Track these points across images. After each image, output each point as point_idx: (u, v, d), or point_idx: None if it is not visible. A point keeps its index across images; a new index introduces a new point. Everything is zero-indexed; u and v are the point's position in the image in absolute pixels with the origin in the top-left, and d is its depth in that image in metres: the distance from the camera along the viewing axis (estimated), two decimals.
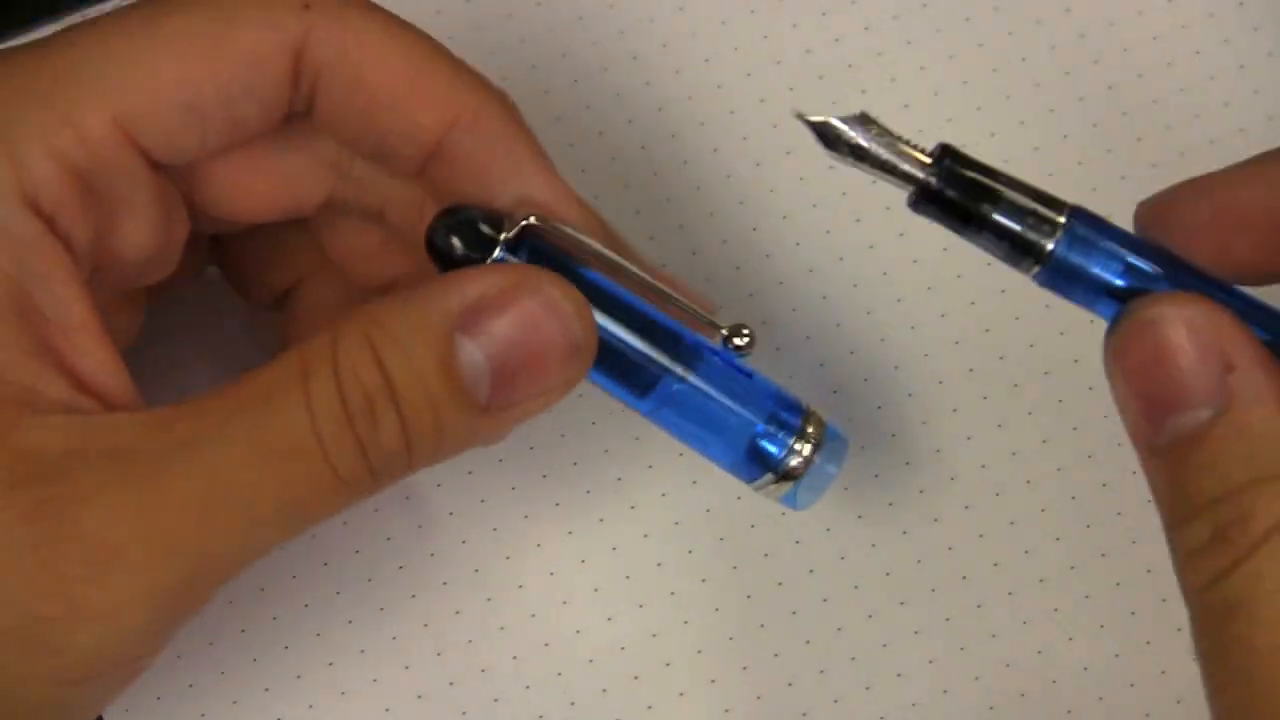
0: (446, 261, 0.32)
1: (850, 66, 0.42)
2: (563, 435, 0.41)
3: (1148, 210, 0.31)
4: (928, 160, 0.30)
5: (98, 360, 0.31)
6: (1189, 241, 0.30)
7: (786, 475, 0.33)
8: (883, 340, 0.41)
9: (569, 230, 0.32)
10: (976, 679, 0.39)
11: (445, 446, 0.31)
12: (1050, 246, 0.29)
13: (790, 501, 0.34)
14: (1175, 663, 0.39)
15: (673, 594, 0.40)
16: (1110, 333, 0.29)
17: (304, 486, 0.30)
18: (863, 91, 0.42)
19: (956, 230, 0.30)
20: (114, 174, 0.32)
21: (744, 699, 0.39)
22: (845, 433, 0.34)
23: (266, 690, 0.39)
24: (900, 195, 0.41)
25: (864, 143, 0.30)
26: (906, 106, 0.42)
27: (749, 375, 0.33)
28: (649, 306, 0.33)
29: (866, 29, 0.42)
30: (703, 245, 0.41)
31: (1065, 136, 0.41)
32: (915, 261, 0.41)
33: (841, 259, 0.41)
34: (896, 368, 0.40)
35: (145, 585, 0.29)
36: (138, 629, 0.29)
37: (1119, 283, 0.29)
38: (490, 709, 0.39)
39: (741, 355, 0.33)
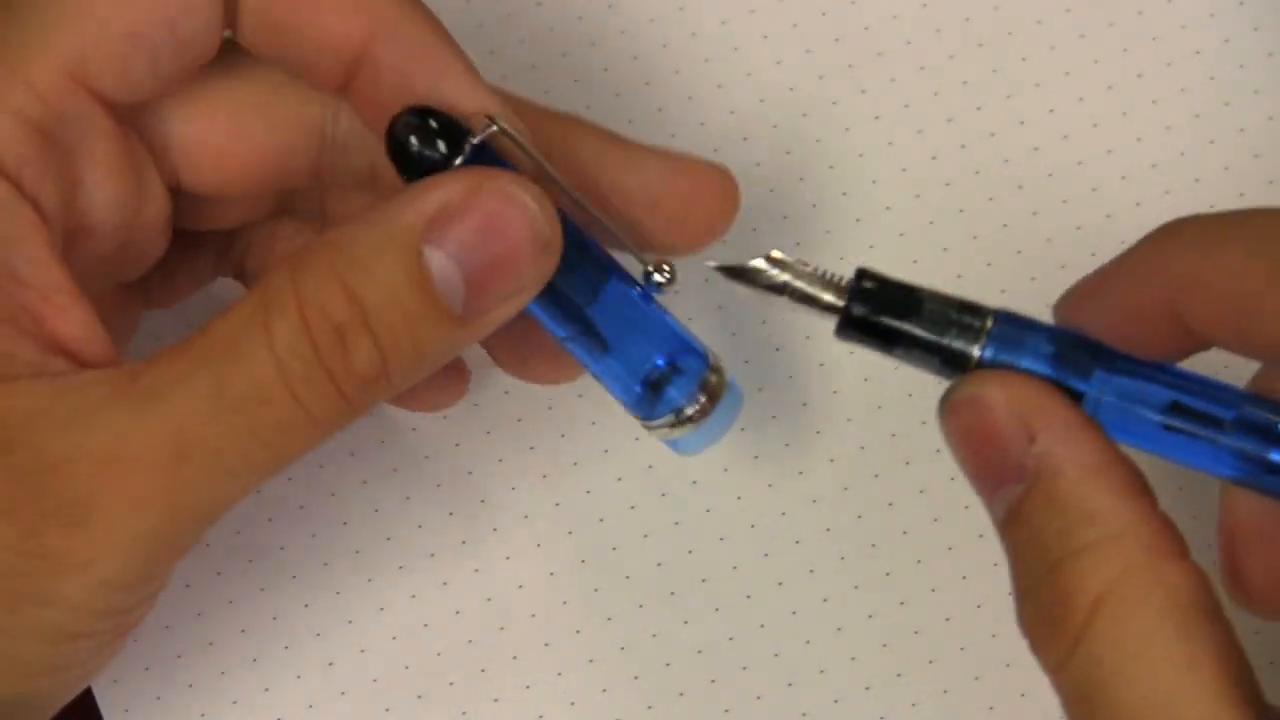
0: (407, 160, 0.31)
1: (850, 66, 0.42)
2: (563, 435, 0.41)
3: (1059, 313, 0.31)
4: (843, 288, 0.30)
5: (75, 320, 0.31)
6: (1103, 338, 0.30)
7: (682, 420, 0.32)
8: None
9: (527, 146, 0.32)
10: (976, 679, 0.39)
11: (425, 363, 0.30)
12: (977, 353, 0.30)
13: (681, 446, 0.33)
14: None
15: (673, 594, 0.40)
16: (939, 408, 0.30)
17: (273, 432, 0.29)
18: (863, 91, 0.42)
19: (884, 352, 0.30)
20: (72, 123, 0.32)
21: (744, 699, 0.39)
22: (742, 390, 0.34)
23: (266, 690, 0.39)
24: (902, 190, 0.41)
25: (783, 280, 0.31)
26: (907, 106, 0.42)
27: (661, 315, 0.33)
28: (577, 228, 0.32)
29: (866, 29, 0.42)
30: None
31: (1065, 137, 0.41)
32: (915, 262, 0.41)
33: (842, 259, 0.41)
34: (896, 368, 0.40)
35: (122, 535, 0.29)
36: (119, 577, 0.29)
37: (1054, 377, 0.30)
38: (490, 709, 0.39)
39: (659, 291, 0.33)
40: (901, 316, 0.30)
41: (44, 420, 0.29)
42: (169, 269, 0.36)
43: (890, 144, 0.41)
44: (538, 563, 0.40)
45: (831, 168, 0.41)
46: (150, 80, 0.32)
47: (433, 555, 0.40)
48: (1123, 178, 0.41)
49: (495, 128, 0.31)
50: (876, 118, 0.42)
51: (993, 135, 0.42)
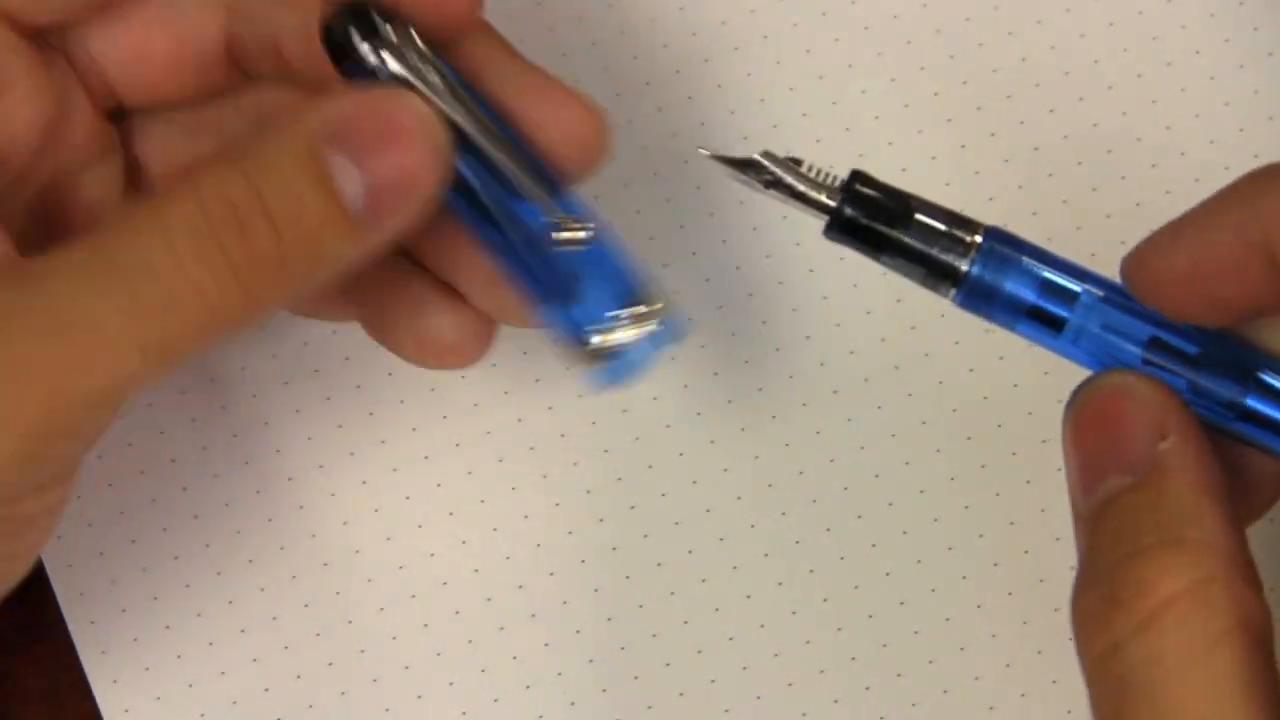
0: (337, 53, 0.32)
1: (850, 66, 0.42)
2: (563, 435, 0.41)
3: (1128, 267, 0.31)
4: (836, 188, 0.30)
5: None
6: (1173, 293, 0.30)
7: (593, 354, 0.32)
8: (883, 340, 0.41)
9: (440, 67, 0.32)
10: (976, 679, 0.39)
11: (323, 261, 0.30)
12: (965, 267, 0.29)
13: (601, 379, 0.32)
14: None
15: (672, 594, 0.40)
16: (1069, 402, 0.30)
17: (158, 305, 0.29)
18: (863, 91, 0.42)
19: (872, 257, 0.30)
20: None
21: (744, 699, 0.39)
22: (682, 328, 0.33)
23: (266, 690, 0.39)
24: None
25: (776, 172, 0.30)
26: (906, 106, 0.42)
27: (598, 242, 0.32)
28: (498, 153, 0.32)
29: (866, 29, 0.42)
30: (703, 245, 0.41)
31: (1065, 137, 0.41)
32: None
33: (842, 259, 0.41)
34: (896, 367, 0.40)
35: (5, 411, 0.29)
36: (7, 456, 0.29)
37: (1038, 302, 0.30)
38: (491, 709, 0.39)
39: (561, 244, 0.32)
40: (892, 223, 0.30)
41: None
42: None
43: (890, 144, 0.41)
44: (538, 562, 0.40)
45: (831, 168, 0.41)
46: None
47: (432, 555, 0.40)
48: (1122, 177, 0.41)
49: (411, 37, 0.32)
50: (876, 118, 0.42)
51: (993, 135, 0.41)
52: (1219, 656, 0.26)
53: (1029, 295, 0.30)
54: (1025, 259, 0.30)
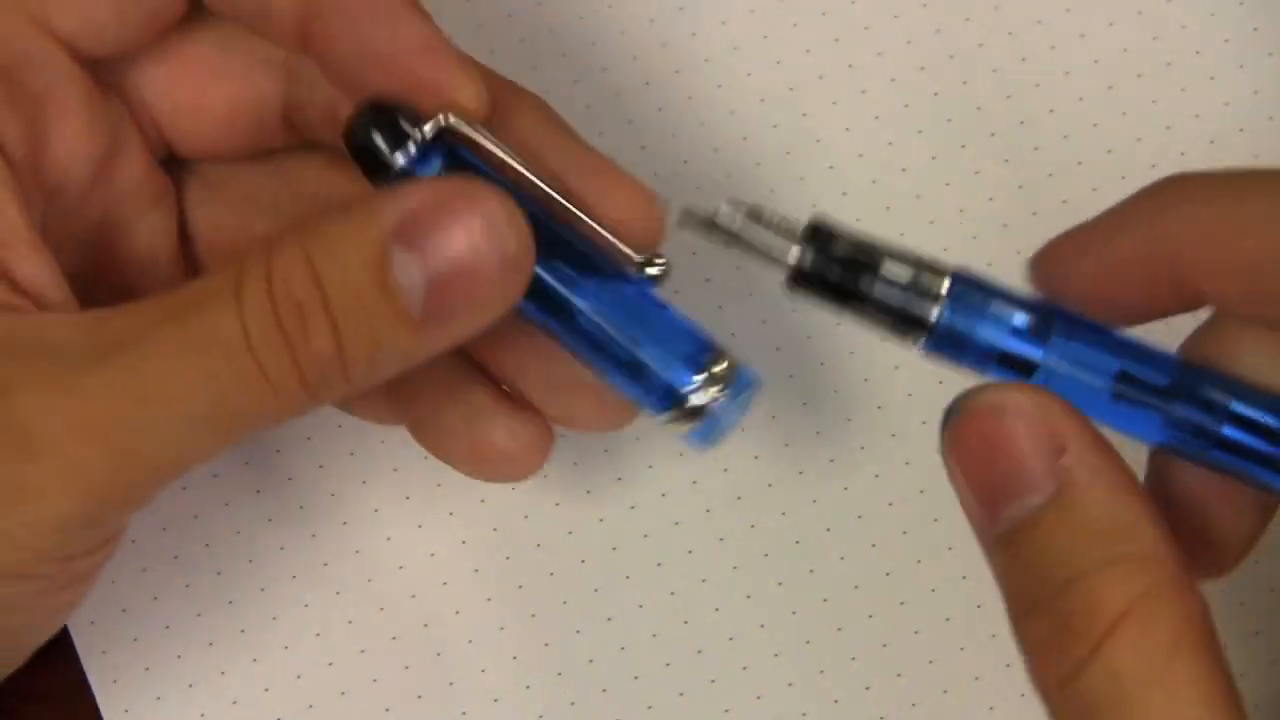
0: (364, 158, 0.31)
1: (850, 66, 0.42)
2: (563, 435, 0.40)
3: (1036, 265, 0.31)
4: (798, 244, 0.29)
5: (34, 266, 0.31)
6: (1077, 293, 0.30)
7: (690, 413, 0.32)
8: (883, 340, 0.41)
9: (485, 136, 0.32)
10: (976, 679, 0.39)
11: (382, 361, 0.30)
12: (934, 313, 0.29)
13: (697, 439, 0.32)
14: None
15: (673, 594, 0.40)
16: (944, 424, 0.29)
17: (231, 384, 0.29)
18: (863, 92, 0.42)
19: (838, 311, 0.29)
20: (36, 68, 0.32)
21: (744, 699, 0.39)
22: (757, 376, 0.33)
23: (266, 690, 0.39)
24: (901, 191, 0.41)
25: (733, 229, 0.30)
26: (906, 106, 0.42)
27: (662, 308, 0.32)
28: (561, 226, 0.32)
29: (866, 29, 0.42)
30: (702, 245, 0.41)
31: (1065, 137, 0.41)
32: None
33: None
34: (897, 368, 0.40)
35: (74, 470, 0.29)
36: (67, 513, 0.29)
37: (1009, 346, 0.29)
38: (490, 709, 0.39)
39: (656, 283, 0.32)
40: (856, 273, 0.29)
41: (6, 351, 0.29)
42: None
43: (890, 144, 0.41)
44: (538, 563, 0.40)
45: (831, 168, 0.41)
46: (115, 28, 0.32)
47: (432, 555, 0.40)
48: (1122, 177, 0.41)
49: (447, 123, 0.32)
50: (876, 118, 0.42)
51: (993, 135, 0.42)
52: (1176, 667, 0.26)
53: (999, 341, 0.29)
54: (994, 303, 0.29)
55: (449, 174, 0.31)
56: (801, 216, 0.30)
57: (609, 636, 0.39)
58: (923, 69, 0.42)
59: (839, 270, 0.29)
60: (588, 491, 0.40)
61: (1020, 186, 0.41)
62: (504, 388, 0.35)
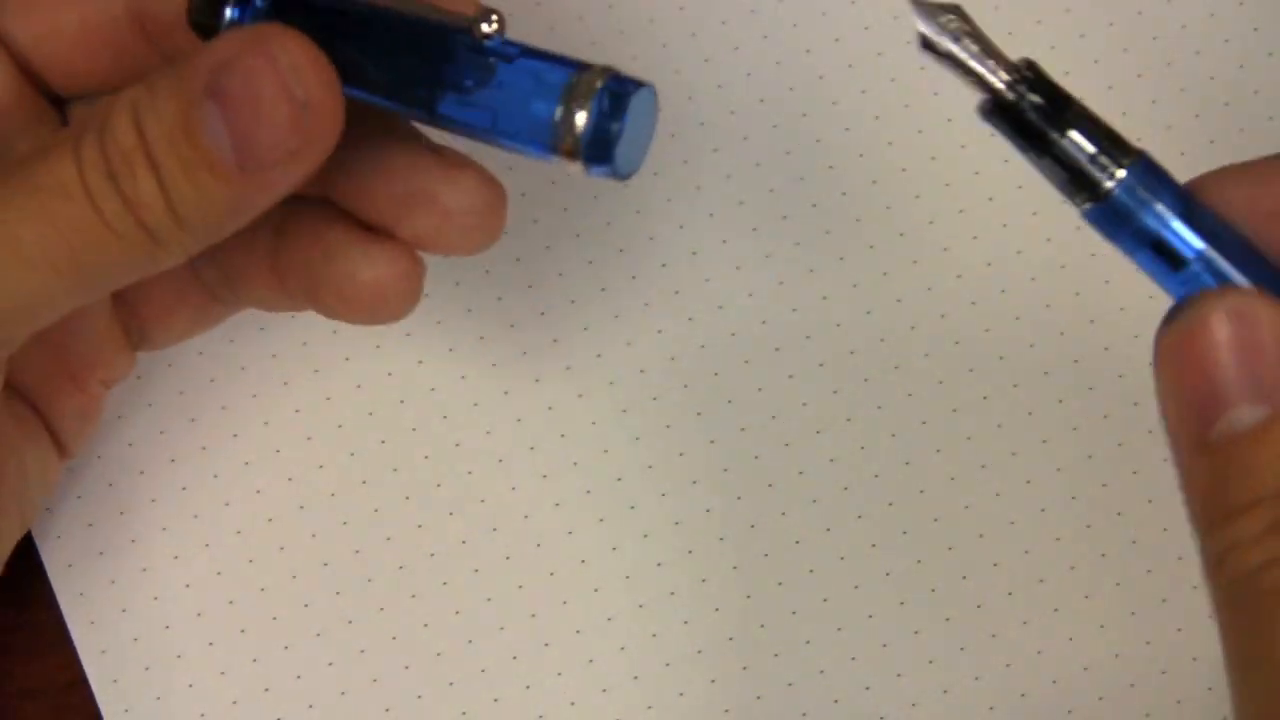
0: (204, 34, 0.32)
1: (850, 66, 0.42)
2: (563, 435, 0.41)
3: (1205, 187, 0.31)
4: (1008, 74, 0.30)
5: None
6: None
7: (571, 146, 0.30)
8: (883, 340, 0.41)
9: None
10: (976, 679, 0.39)
11: (214, 209, 0.31)
12: (1109, 185, 0.29)
13: (599, 170, 0.30)
14: (1175, 663, 0.39)
15: (673, 594, 0.40)
16: (1169, 320, 0.29)
17: (68, 225, 0.30)
18: (863, 92, 0.42)
19: (1020, 149, 0.30)
20: None
21: (744, 699, 0.39)
22: (639, 83, 0.30)
23: (266, 690, 0.39)
24: (901, 194, 0.41)
25: (950, 45, 0.30)
26: (907, 106, 0.42)
27: (512, 56, 0.31)
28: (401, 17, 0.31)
29: (866, 29, 0.42)
30: (702, 245, 0.41)
31: None
32: (915, 262, 0.41)
33: (842, 259, 0.41)
34: (896, 368, 0.40)
35: None
36: None
37: (1167, 238, 0.29)
38: (490, 709, 0.39)
39: (488, 40, 0.31)
40: (1053, 123, 0.30)
41: None
42: (163, 299, 0.37)
43: (890, 144, 0.41)
44: (538, 563, 0.40)
45: (831, 168, 0.41)
46: None
47: (433, 555, 0.40)
48: None
49: None
50: (876, 118, 0.42)
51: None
52: None
53: (1157, 229, 0.29)
54: (1165, 196, 0.29)
55: (277, 16, 0.31)
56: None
57: (609, 636, 0.39)
58: (923, 69, 0.42)
59: (1038, 114, 0.30)
60: (587, 491, 0.40)
61: (1020, 186, 0.41)
62: (365, 223, 0.35)
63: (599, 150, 0.30)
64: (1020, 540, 0.40)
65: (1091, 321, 0.40)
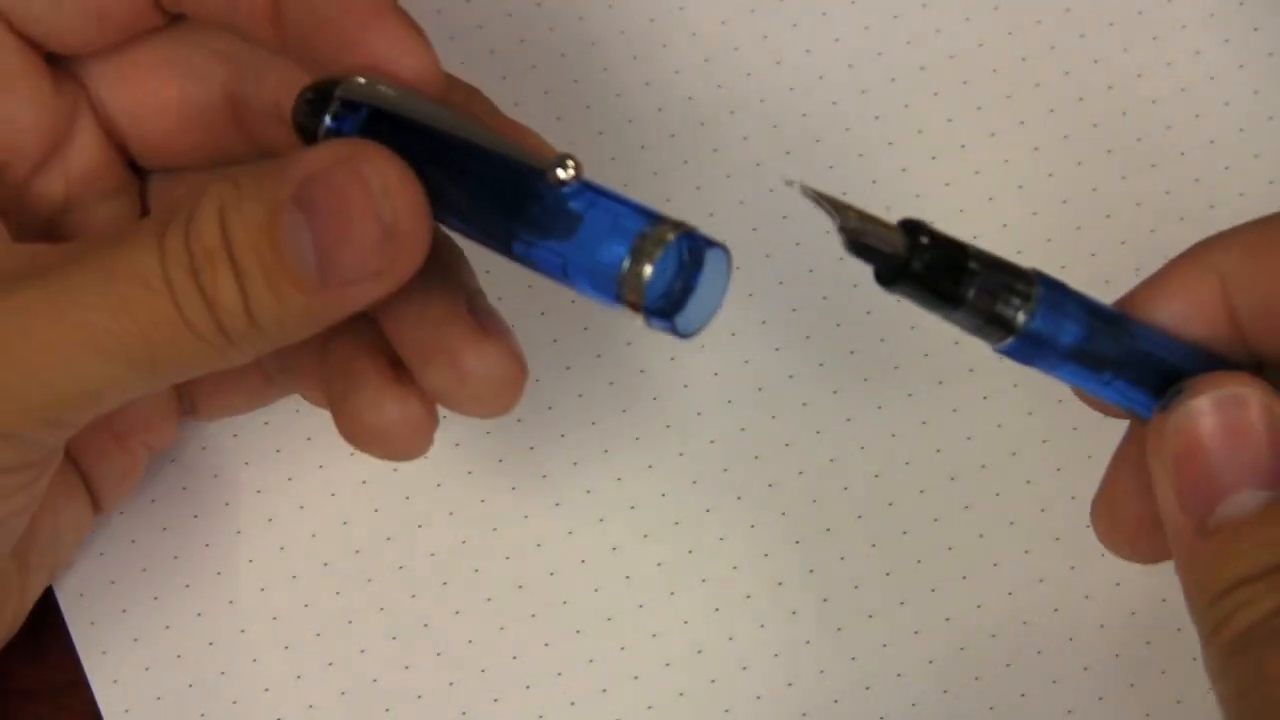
0: (307, 137, 0.32)
1: (850, 66, 0.42)
2: (563, 435, 0.41)
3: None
4: (898, 237, 0.29)
5: None
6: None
7: (633, 299, 0.30)
8: (883, 340, 0.41)
9: (389, 88, 0.32)
10: (976, 679, 0.39)
11: (289, 317, 0.31)
12: (1021, 319, 0.29)
13: (661, 324, 0.30)
14: (1175, 663, 0.39)
15: (673, 594, 0.40)
16: (1162, 415, 0.29)
17: (146, 316, 0.30)
18: (863, 92, 0.42)
19: (928, 308, 0.30)
20: None
21: (744, 699, 0.39)
22: (712, 243, 0.30)
23: (266, 690, 0.39)
24: (901, 191, 0.41)
25: (856, 226, 0.30)
26: (906, 107, 0.42)
27: (594, 200, 0.30)
28: (487, 156, 0.31)
29: (866, 29, 0.42)
30: None
31: (1065, 136, 0.41)
32: None
33: (841, 259, 0.41)
34: (896, 368, 0.40)
35: None
36: None
37: (1085, 348, 0.29)
38: (490, 709, 0.39)
39: (564, 186, 0.30)
40: (952, 276, 0.29)
41: None
42: (222, 377, 0.36)
43: (890, 144, 0.41)
44: (537, 563, 0.40)
45: (831, 168, 0.41)
46: (54, 14, 0.33)
47: (433, 555, 0.40)
48: (1123, 178, 0.41)
49: (351, 81, 0.31)
50: (876, 118, 0.42)
51: (993, 135, 0.42)
52: None
53: (1072, 342, 0.29)
54: (1071, 307, 0.30)
55: (373, 132, 0.31)
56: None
57: (609, 636, 0.39)
58: (923, 69, 0.42)
59: (937, 272, 0.29)
60: (587, 491, 0.40)
61: (1020, 186, 0.41)
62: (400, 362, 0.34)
63: (662, 306, 0.30)
64: (1020, 540, 0.40)
65: None
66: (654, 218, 0.29)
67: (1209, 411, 0.28)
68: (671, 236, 0.29)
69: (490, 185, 0.31)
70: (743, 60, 0.42)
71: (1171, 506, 0.28)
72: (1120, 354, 0.29)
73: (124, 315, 0.30)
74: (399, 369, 0.34)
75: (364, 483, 0.40)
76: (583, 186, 0.30)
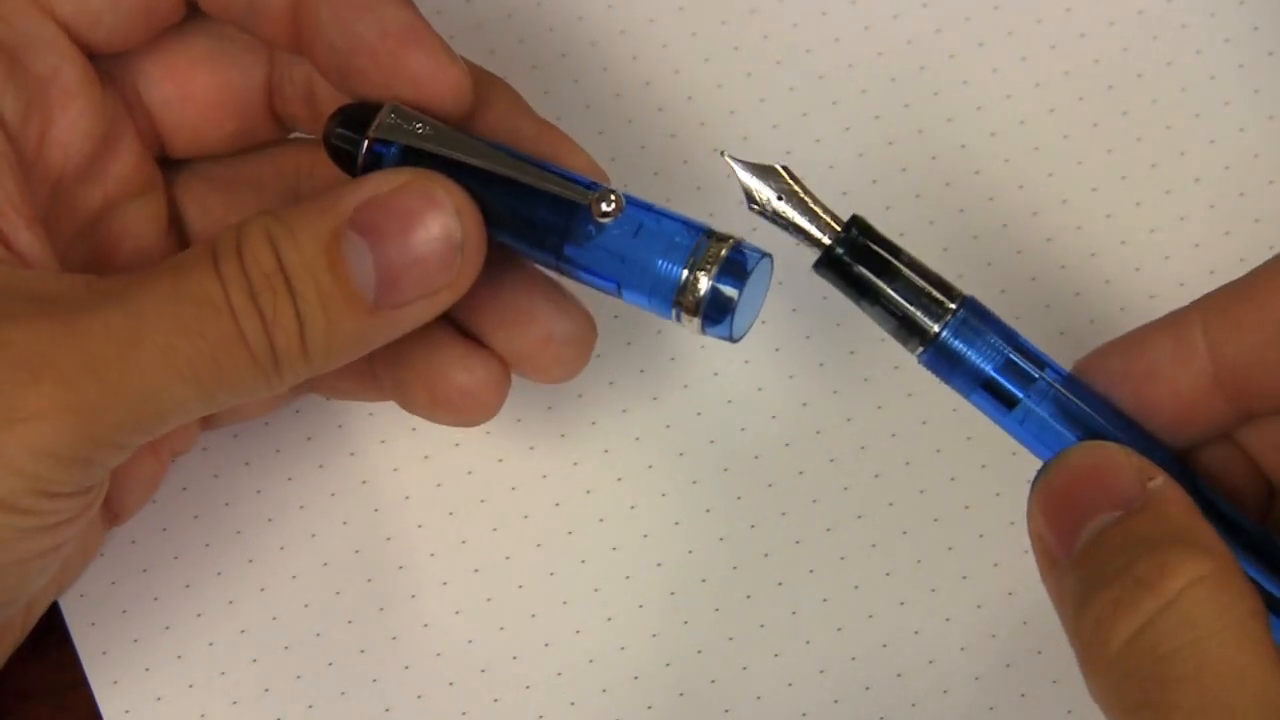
0: (339, 158, 0.33)
1: (850, 66, 0.42)
2: (563, 435, 0.41)
3: (1080, 367, 0.32)
4: (837, 228, 0.31)
5: (29, 239, 0.32)
6: (1112, 393, 0.32)
7: (692, 306, 0.32)
8: (882, 340, 0.40)
9: (430, 123, 0.33)
10: (977, 679, 0.39)
11: (337, 341, 0.31)
12: (936, 329, 0.31)
13: (715, 331, 0.32)
14: None
15: (673, 594, 0.40)
16: (1043, 471, 0.31)
17: (217, 342, 0.30)
18: (863, 92, 0.42)
19: (853, 299, 0.31)
20: (38, 47, 0.33)
21: (744, 699, 0.39)
22: (759, 253, 0.32)
23: (266, 690, 0.39)
24: (902, 194, 0.41)
25: (775, 204, 0.32)
26: (906, 106, 0.42)
27: (646, 211, 0.33)
28: (528, 179, 0.33)
29: (866, 29, 0.42)
30: None
31: (1065, 136, 0.41)
32: None
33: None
34: (896, 368, 0.40)
35: (74, 399, 0.30)
36: (64, 441, 0.30)
37: (996, 377, 0.31)
38: (490, 709, 0.39)
39: (605, 219, 0.32)
40: (880, 273, 0.31)
41: (6, 292, 0.30)
42: None
43: (890, 144, 0.41)
44: (538, 562, 0.40)
45: (831, 168, 0.41)
46: (110, 16, 0.33)
47: (432, 555, 0.40)
48: (1123, 178, 0.41)
49: (392, 116, 0.33)
50: (876, 117, 0.42)
51: (993, 135, 0.42)
52: (1252, 628, 0.27)
53: (988, 369, 0.31)
54: (993, 336, 0.31)
55: (411, 163, 0.32)
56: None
57: (609, 636, 0.39)
58: (923, 69, 0.42)
59: (866, 265, 0.31)
60: (588, 491, 0.40)
61: (1020, 186, 0.41)
62: (465, 331, 0.35)
63: (719, 313, 0.32)
64: (1020, 540, 0.39)
65: (1091, 322, 0.40)
66: (704, 231, 0.32)
67: (1071, 464, 0.30)
68: (725, 251, 0.32)
69: (536, 220, 0.32)
70: (743, 60, 0.42)
71: (1049, 543, 0.30)
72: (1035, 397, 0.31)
73: (197, 337, 0.30)
74: (467, 335, 0.35)
75: (364, 483, 0.40)
76: (630, 201, 0.32)
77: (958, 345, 0.31)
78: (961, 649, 0.39)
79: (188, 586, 0.40)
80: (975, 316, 0.31)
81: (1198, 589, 0.27)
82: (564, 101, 0.42)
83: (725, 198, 0.41)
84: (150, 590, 0.40)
